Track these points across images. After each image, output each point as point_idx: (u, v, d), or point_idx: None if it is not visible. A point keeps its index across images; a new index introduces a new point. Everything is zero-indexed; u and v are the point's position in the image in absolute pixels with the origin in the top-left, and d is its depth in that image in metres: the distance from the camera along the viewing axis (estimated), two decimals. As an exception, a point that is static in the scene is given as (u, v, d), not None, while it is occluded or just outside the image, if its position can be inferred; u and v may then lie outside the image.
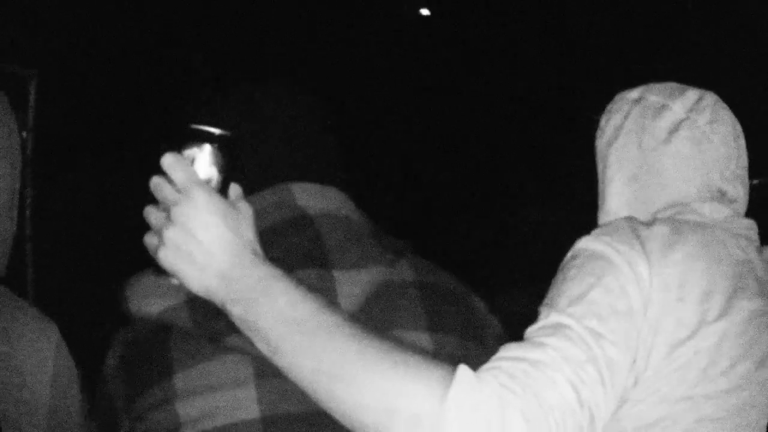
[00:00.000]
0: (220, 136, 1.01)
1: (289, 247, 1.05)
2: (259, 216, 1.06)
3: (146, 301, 1.04)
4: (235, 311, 0.96)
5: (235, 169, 1.03)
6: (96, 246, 4.72)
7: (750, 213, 1.34)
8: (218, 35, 5.73)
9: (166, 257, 0.98)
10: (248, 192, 1.09)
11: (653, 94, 1.33)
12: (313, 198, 1.11)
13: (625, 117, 1.32)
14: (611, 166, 1.32)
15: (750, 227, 1.27)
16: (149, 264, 1.03)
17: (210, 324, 1.00)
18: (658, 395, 1.05)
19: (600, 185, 1.35)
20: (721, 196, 1.28)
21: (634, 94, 1.35)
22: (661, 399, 1.05)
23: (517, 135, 7.42)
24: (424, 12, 7.31)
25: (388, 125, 7.10)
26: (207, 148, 1.01)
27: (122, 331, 1.10)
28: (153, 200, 1.03)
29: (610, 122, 1.35)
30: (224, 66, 5.63)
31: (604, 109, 1.42)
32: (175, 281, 1.01)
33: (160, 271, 1.01)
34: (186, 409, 0.99)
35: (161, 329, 1.04)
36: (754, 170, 1.36)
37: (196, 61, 5.60)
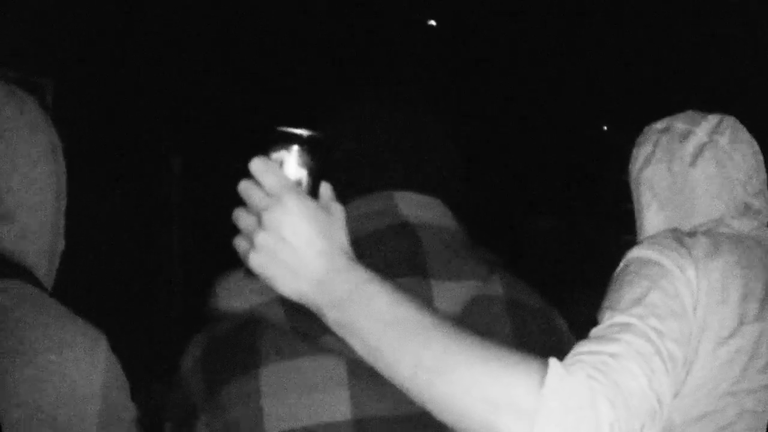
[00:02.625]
0: (308, 138, 1.00)
1: (389, 254, 1.05)
2: (360, 221, 1.07)
3: (237, 298, 1.05)
4: (332, 315, 0.95)
5: (325, 170, 1.01)
6: (123, 255, 4.76)
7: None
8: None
9: (257, 262, 0.97)
10: (350, 197, 1.10)
11: (678, 122, 1.47)
12: (416, 207, 1.11)
13: (654, 145, 1.47)
14: (645, 193, 1.47)
15: None
16: (236, 265, 1.02)
17: (304, 322, 0.99)
18: (704, 390, 1.17)
19: (636, 211, 1.49)
20: (747, 210, 1.42)
21: (660, 124, 1.50)
22: (706, 394, 1.17)
23: (529, 144, 7.43)
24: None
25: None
26: (295, 150, 0.99)
27: (202, 332, 1.08)
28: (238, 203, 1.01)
29: (641, 152, 1.50)
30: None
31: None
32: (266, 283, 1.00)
33: (251, 274, 0.99)
34: (272, 405, 0.98)
35: (250, 323, 1.03)
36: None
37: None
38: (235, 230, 1.02)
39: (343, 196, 1.07)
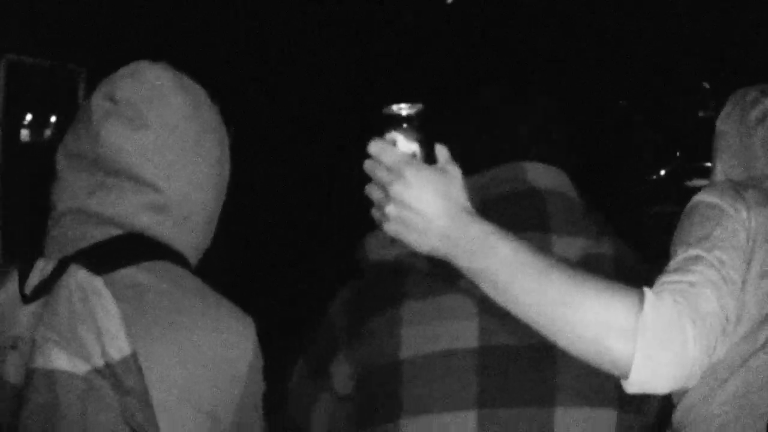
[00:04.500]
0: (414, 114, 1.13)
1: (516, 213, 1.22)
2: (490, 186, 1.26)
3: (384, 250, 1.22)
4: (462, 263, 1.11)
5: (433, 137, 1.15)
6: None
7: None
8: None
9: (390, 229, 1.13)
10: (484, 167, 1.29)
11: (754, 90, 1.72)
12: (542, 176, 1.28)
13: (733, 106, 1.74)
14: (720, 143, 1.74)
15: None
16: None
17: (442, 268, 1.14)
18: (748, 315, 1.37)
19: (712, 156, 1.76)
20: None
21: (743, 90, 1.75)
22: (749, 318, 1.38)
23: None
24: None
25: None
26: (405, 127, 1.13)
27: (351, 282, 1.26)
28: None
29: (725, 109, 1.76)
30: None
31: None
32: None
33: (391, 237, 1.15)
34: (410, 333, 1.16)
35: (397, 269, 1.21)
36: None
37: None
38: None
39: (476, 166, 1.27)
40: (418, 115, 1.13)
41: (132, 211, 1.18)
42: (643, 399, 1.18)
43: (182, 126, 1.22)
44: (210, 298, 1.18)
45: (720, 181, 1.66)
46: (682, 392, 1.43)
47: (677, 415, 1.46)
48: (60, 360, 1.04)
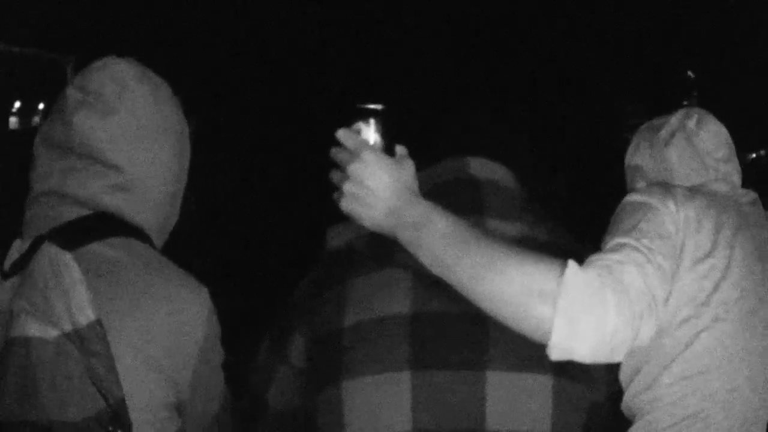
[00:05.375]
0: (381, 111, 1.29)
1: (455, 198, 1.32)
2: (436, 176, 1.38)
3: (338, 238, 1.36)
4: (404, 236, 1.23)
5: (395, 134, 1.30)
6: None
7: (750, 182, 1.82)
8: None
9: (345, 204, 1.26)
10: (432, 164, 1.41)
11: (656, 120, 1.84)
12: (483, 168, 1.39)
13: (639, 139, 1.84)
14: (635, 176, 1.82)
15: (745, 194, 1.71)
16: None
17: (381, 247, 1.28)
18: (684, 299, 1.45)
19: (630, 188, 1.81)
20: (716, 173, 1.74)
21: (644, 125, 1.87)
22: (686, 302, 1.45)
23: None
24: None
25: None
26: (371, 121, 1.28)
27: (313, 268, 1.39)
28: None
29: (631, 147, 1.87)
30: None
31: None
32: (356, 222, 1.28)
33: (347, 216, 1.27)
34: (351, 305, 1.27)
35: (344, 252, 1.34)
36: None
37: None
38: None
39: (426, 163, 1.38)
40: (383, 112, 1.28)
41: (99, 191, 1.31)
42: (582, 368, 1.22)
43: (145, 113, 1.35)
44: (168, 271, 1.31)
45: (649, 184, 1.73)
46: (631, 377, 1.47)
47: (626, 402, 1.49)
48: (33, 328, 1.16)
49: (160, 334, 1.24)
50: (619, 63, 7.49)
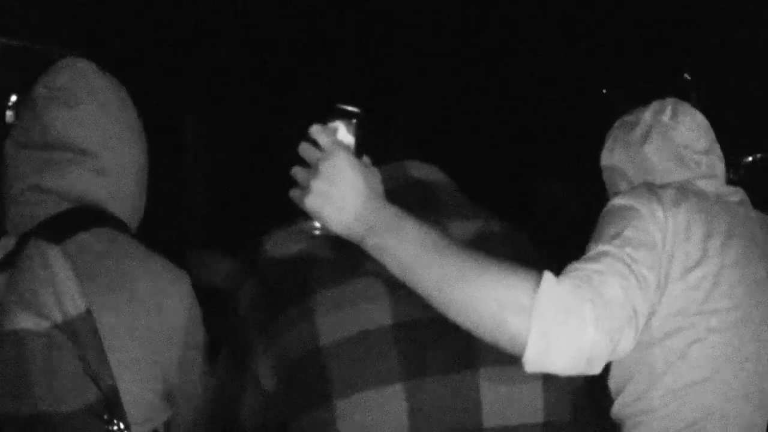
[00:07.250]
0: (357, 113, 1.26)
1: (410, 202, 1.26)
2: (383, 181, 1.30)
3: (286, 245, 1.26)
4: (371, 241, 1.17)
5: (368, 140, 1.27)
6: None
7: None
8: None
9: (311, 202, 1.19)
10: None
11: (628, 116, 1.78)
12: (423, 171, 1.36)
13: (614, 140, 1.77)
14: (615, 178, 1.76)
15: (734, 192, 1.66)
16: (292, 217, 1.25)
17: (347, 254, 1.20)
18: (675, 309, 1.41)
19: (612, 194, 1.72)
20: (698, 167, 1.68)
21: (616, 123, 1.80)
22: (677, 312, 1.42)
23: (539, 112, 7.50)
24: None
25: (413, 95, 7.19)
26: (347, 122, 1.25)
27: (252, 278, 1.27)
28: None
29: (606, 147, 1.79)
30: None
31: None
32: (317, 225, 1.22)
33: (307, 217, 1.22)
34: (325, 321, 1.18)
35: (299, 261, 1.24)
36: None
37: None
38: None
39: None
40: (361, 116, 1.26)
41: (78, 178, 1.36)
42: None
43: (111, 104, 1.43)
44: (147, 257, 1.35)
45: (636, 185, 1.65)
46: (621, 387, 1.47)
47: (616, 409, 1.49)
48: (24, 321, 1.19)
49: (146, 321, 1.28)
50: (617, 64, 7.51)
